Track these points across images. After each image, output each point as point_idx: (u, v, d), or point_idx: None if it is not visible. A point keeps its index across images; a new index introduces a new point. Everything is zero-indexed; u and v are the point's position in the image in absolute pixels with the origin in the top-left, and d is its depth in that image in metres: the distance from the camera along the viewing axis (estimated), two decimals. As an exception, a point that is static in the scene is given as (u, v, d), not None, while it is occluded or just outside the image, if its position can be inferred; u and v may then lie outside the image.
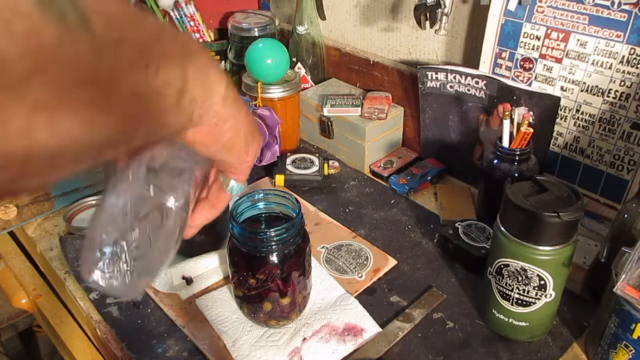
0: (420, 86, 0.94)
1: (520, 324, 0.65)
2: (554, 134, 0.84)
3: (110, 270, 0.38)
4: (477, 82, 0.86)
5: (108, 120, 0.25)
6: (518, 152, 0.76)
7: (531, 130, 0.75)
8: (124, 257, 0.38)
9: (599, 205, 0.83)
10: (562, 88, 0.81)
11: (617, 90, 0.76)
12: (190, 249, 0.77)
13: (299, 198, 0.70)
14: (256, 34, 1.09)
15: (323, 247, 0.82)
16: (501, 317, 0.65)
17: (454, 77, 0.89)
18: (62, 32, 0.22)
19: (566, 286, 0.63)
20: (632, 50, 0.72)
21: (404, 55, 1.05)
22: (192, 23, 1.14)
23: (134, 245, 0.38)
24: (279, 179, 0.95)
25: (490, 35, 0.85)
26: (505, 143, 0.78)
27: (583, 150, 0.83)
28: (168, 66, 0.29)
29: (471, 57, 0.93)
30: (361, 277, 0.76)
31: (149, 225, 0.39)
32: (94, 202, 0.92)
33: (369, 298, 0.73)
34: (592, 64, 0.77)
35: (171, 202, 0.40)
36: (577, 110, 0.81)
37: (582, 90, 0.79)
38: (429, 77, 0.92)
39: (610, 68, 0.75)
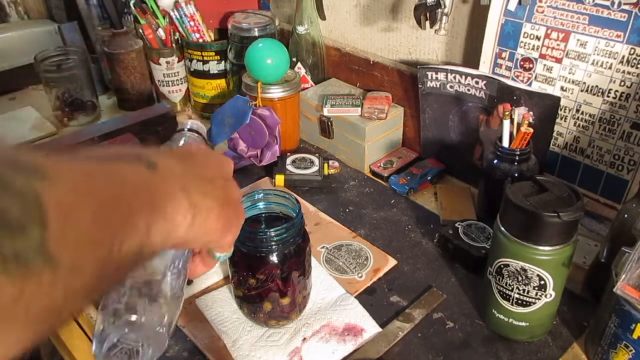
0: (420, 86, 0.94)
1: (520, 324, 0.65)
2: (554, 134, 0.84)
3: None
4: (477, 82, 0.86)
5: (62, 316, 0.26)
6: (518, 152, 0.76)
7: (531, 130, 0.75)
8: (133, 346, 0.42)
9: (599, 205, 0.83)
10: (562, 88, 0.81)
11: (617, 90, 0.76)
12: (190, 249, 0.77)
13: (299, 198, 0.70)
14: (256, 34, 1.08)
15: (323, 247, 0.82)
16: (501, 317, 0.65)
17: (454, 77, 0.89)
18: (22, 285, 0.22)
19: (566, 286, 0.63)
20: (632, 50, 0.72)
21: (404, 55, 1.05)
22: (192, 23, 1.14)
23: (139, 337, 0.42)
24: (279, 179, 0.95)
25: (490, 35, 0.85)
26: (505, 143, 0.78)
27: (583, 150, 0.83)
28: (129, 250, 0.29)
29: (471, 57, 0.93)
30: (361, 277, 0.76)
31: (149, 313, 0.43)
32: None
33: (369, 298, 0.73)
34: (592, 64, 0.77)
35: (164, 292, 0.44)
36: (577, 110, 0.81)
37: (582, 90, 0.79)
38: (429, 77, 0.92)
39: (610, 68, 0.75)
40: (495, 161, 0.78)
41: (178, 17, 1.13)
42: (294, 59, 1.11)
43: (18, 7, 1.44)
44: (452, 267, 0.78)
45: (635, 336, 0.56)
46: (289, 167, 0.96)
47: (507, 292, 0.63)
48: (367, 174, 1.01)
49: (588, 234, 0.81)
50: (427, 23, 0.86)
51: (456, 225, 0.81)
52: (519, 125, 0.76)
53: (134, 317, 0.41)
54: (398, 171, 0.99)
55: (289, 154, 1.00)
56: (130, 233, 0.29)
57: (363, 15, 1.09)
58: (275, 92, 0.99)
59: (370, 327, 0.67)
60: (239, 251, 0.62)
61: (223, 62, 1.16)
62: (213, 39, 1.18)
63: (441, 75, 0.90)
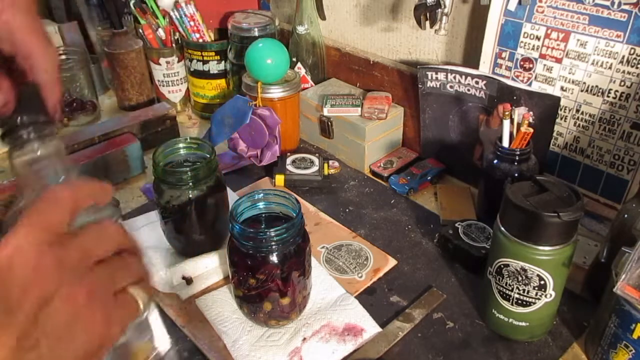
0: (420, 86, 0.94)
1: (520, 324, 0.65)
2: (554, 134, 0.84)
3: None
4: (477, 82, 0.86)
5: None
6: (518, 152, 0.76)
7: (531, 130, 0.75)
8: None
9: (599, 205, 0.83)
10: (562, 88, 0.81)
11: (617, 90, 0.76)
12: (190, 249, 0.77)
13: (299, 198, 0.70)
14: (256, 34, 1.08)
15: (323, 247, 0.82)
16: (501, 317, 0.65)
17: (454, 77, 0.89)
18: None
19: (566, 286, 0.63)
20: (632, 50, 0.72)
21: (404, 55, 1.05)
22: (192, 23, 1.14)
23: None
24: (279, 179, 0.95)
25: (490, 35, 0.85)
26: (505, 143, 0.78)
27: (583, 150, 0.83)
28: None
29: (471, 57, 0.93)
30: (361, 277, 0.76)
31: None
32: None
33: (369, 298, 0.73)
34: (592, 64, 0.77)
35: None
36: (577, 110, 0.81)
37: (582, 90, 0.79)
38: (429, 77, 0.92)
39: (610, 68, 0.75)
40: (495, 161, 0.78)
41: (178, 17, 1.13)
42: (294, 59, 1.11)
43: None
44: (452, 267, 0.78)
45: (635, 336, 0.56)
46: (289, 167, 0.96)
47: (507, 292, 0.63)
48: (367, 174, 1.01)
49: (588, 234, 0.81)
50: (427, 23, 0.86)
51: (456, 225, 0.81)
52: (519, 125, 0.76)
53: None
54: (398, 171, 0.99)
55: (289, 154, 1.00)
56: None
57: (363, 15, 1.09)
58: (275, 92, 0.99)
59: (370, 327, 0.67)
60: (239, 251, 0.62)
61: (223, 62, 1.16)
62: (213, 39, 1.18)
63: (441, 75, 0.90)
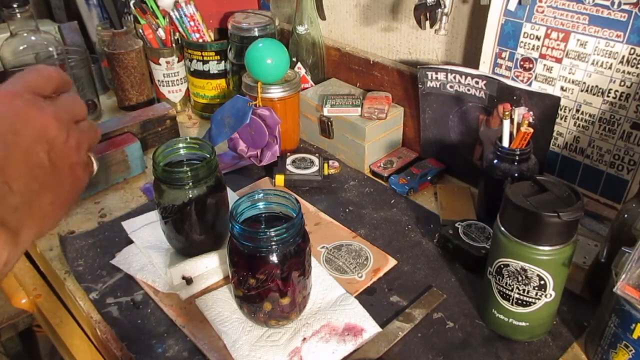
0: (420, 86, 0.94)
1: (520, 324, 0.65)
2: (554, 134, 0.84)
3: None
4: (477, 82, 0.86)
5: None
6: (518, 152, 0.76)
7: (531, 130, 0.75)
8: None
9: (599, 205, 0.83)
10: (562, 88, 0.81)
11: (617, 90, 0.76)
12: (190, 249, 0.77)
13: (299, 198, 0.70)
14: (256, 34, 1.08)
15: (323, 247, 0.82)
16: (501, 317, 0.66)
17: (454, 77, 0.89)
18: None
19: (566, 286, 0.63)
20: (632, 50, 0.72)
21: (404, 55, 1.05)
22: (192, 23, 1.14)
23: None
24: (279, 179, 0.95)
25: (490, 35, 0.85)
26: (505, 143, 0.78)
27: (583, 150, 0.83)
28: None
29: (471, 57, 0.93)
30: (361, 277, 0.76)
31: None
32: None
33: (369, 298, 0.73)
34: (592, 64, 0.77)
35: None
36: (577, 110, 0.81)
37: (582, 90, 0.79)
38: (429, 77, 0.92)
39: (610, 68, 0.75)
40: (495, 161, 0.78)
41: (178, 17, 1.13)
42: (294, 59, 1.11)
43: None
44: (452, 267, 0.78)
45: (635, 336, 0.56)
46: (289, 167, 0.96)
47: (507, 292, 0.63)
48: (367, 174, 1.01)
49: (588, 234, 0.82)
50: (427, 23, 0.86)
51: (456, 225, 0.81)
52: (519, 125, 0.76)
53: None
54: (398, 171, 0.99)
55: (289, 154, 1.00)
56: None
57: (363, 15, 1.09)
58: (275, 92, 0.99)
59: (370, 327, 0.67)
60: (239, 251, 0.62)
61: (223, 62, 1.16)
62: (213, 39, 1.18)
63: (441, 75, 0.90)
